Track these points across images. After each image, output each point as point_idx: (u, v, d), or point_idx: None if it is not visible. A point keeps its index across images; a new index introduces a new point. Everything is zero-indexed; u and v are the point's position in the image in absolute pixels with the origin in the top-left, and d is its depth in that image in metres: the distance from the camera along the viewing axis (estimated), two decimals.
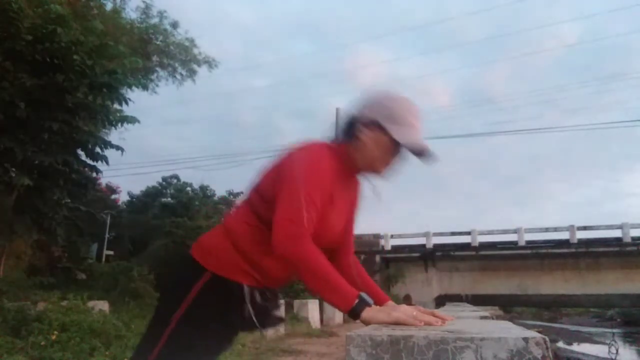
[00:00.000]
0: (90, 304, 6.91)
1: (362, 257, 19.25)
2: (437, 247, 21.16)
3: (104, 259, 18.53)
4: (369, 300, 1.08)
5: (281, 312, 1.48)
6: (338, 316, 12.22)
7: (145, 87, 9.08)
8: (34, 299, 7.11)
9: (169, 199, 24.15)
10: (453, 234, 21.57)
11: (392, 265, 21.34)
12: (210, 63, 15.72)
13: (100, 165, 6.87)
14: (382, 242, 21.73)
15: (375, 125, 1.27)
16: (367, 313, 1.05)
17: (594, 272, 18.51)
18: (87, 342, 5.19)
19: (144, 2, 14.26)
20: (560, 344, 19.80)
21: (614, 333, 19.22)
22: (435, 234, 21.42)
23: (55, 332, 5.21)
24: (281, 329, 7.99)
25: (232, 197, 26.42)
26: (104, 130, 10.48)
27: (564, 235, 19.68)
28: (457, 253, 20.73)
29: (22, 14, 5.99)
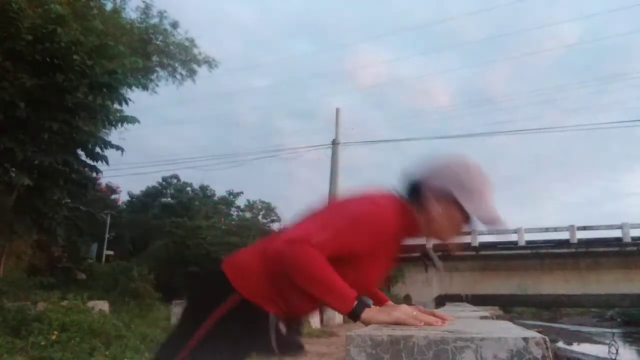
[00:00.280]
0: (90, 304, 6.92)
1: None
2: (437, 247, 21.12)
3: (104, 259, 18.53)
4: (368, 301, 1.08)
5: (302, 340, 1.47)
6: (338, 316, 12.22)
7: (145, 87, 9.09)
8: (34, 299, 7.11)
9: (169, 199, 24.15)
10: None
11: None
12: (210, 63, 15.74)
13: (100, 165, 6.87)
14: None
15: (448, 198, 1.22)
16: (367, 314, 1.05)
17: (594, 272, 18.50)
18: (87, 342, 5.19)
19: (144, 2, 14.27)
20: (560, 344, 19.80)
21: (614, 333, 19.25)
22: None
23: (55, 332, 5.20)
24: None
25: (232, 197, 26.44)
26: (104, 130, 10.48)
27: (564, 235, 19.67)
28: (457, 253, 20.72)
29: (22, 14, 5.98)
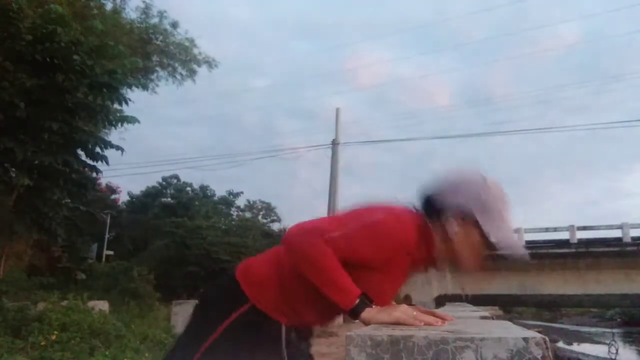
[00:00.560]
0: (90, 304, 6.92)
1: None
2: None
3: (104, 259, 18.52)
4: (370, 300, 1.08)
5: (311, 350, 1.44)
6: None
7: (145, 87, 9.10)
8: (34, 299, 7.12)
9: (169, 199, 24.17)
10: None
11: None
12: (210, 63, 15.74)
13: (100, 165, 6.87)
14: None
15: (467, 218, 1.17)
16: (367, 313, 1.05)
17: (594, 272, 18.50)
18: (87, 342, 5.19)
19: (144, 2, 14.26)
20: (560, 344, 19.81)
21: (614, 333, 19.26)
22: None
23: (55, 332, 5.21)
24: None
25: (232, 197, 26.45)
26: (104, 130, 10.47)
27: (564, 235, 19.67)
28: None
29: (22, 14, 5.98)
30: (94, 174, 7.53)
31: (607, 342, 16.62)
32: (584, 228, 19.70)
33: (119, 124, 7.30)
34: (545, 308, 34.53)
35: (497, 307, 25.47)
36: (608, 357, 14.88)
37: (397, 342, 0.76)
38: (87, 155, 6.80)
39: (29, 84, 6.08)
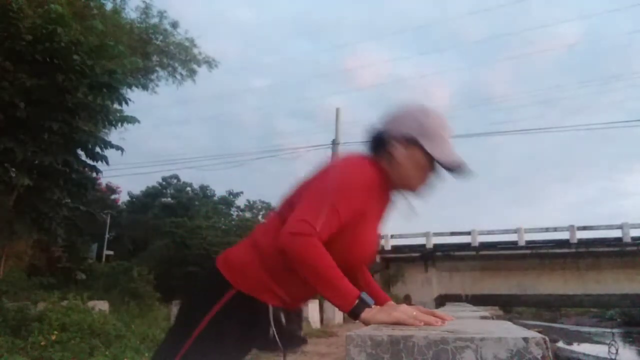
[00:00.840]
0: (90, 304, 6.93)
1: None
2: (437, 247, 21.17)
3: (104, 259, 18.54)
4: (370, 300, 1.07)
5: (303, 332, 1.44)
6: (338, 316, 12.23)
7: (145, 87, 9.11)
8: (34, 299, 7.12)
9: (169, 199, 24.19)
10: (453, 234, 21.58)
11: (392, 265, 21.35)
12: (210, 63, 15.75)
13: (100, 165, 6.86)
14: (382, 242, 21.73)
15: (410, 142, 1.24)
16: (367, 314, 1.05)
17: (594, 272, 18.51)
18: (87, 342, 5.20)
19: (144, 2, 14.27)
20: (560, 344, 19.82)
21: (614, 333, 19.28)
22: (435, 234, 21.42)
23: (55, 332, 5.21)
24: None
25: (232, 197, 26.45)
26: (104, 130, 10.47)
27: (564, 235, 19.69)
28: (457, 253, 20.74)
29: (22, 14, 5.98)
30: (94, 174, 7.53)
31: (607, 342, 16.62)
32: (584, 228, 19.71)
33: (119, 124, 7.30)
34: (545, 308, 34.51)
35: (497, 307, 25.49)
36: (608, 357, 14.89)
37: (397, 342, 0.76)
38: (87, 155, 6.80)
39: (29, 84, 6.07)
